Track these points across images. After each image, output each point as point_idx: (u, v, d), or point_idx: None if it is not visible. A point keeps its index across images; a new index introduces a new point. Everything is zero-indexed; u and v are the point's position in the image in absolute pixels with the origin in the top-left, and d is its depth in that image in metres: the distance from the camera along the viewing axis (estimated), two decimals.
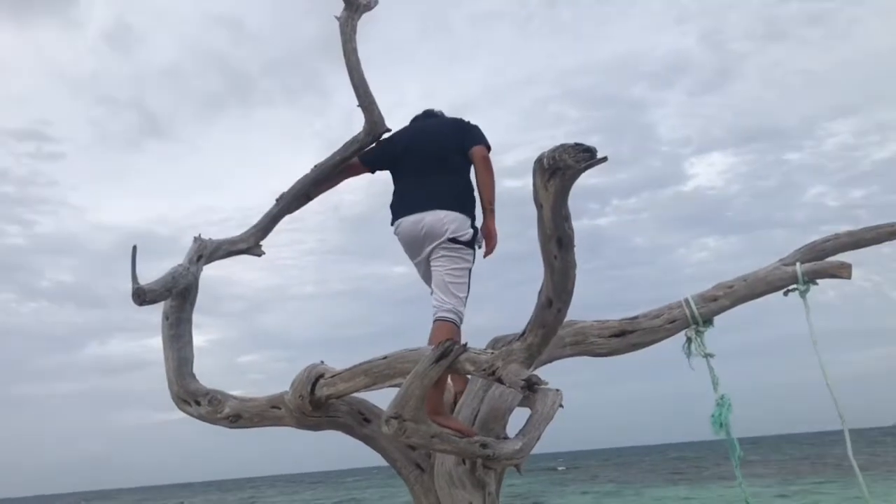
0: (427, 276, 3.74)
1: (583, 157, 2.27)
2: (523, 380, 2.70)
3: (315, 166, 3.90)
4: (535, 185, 2.39)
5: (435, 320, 3.55)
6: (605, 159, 2.23)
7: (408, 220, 3.65)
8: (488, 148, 3.71)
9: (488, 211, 3.67)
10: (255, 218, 3.98)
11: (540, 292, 2.69)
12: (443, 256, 3.59)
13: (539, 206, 2.43)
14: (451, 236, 3.58)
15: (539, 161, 2.35)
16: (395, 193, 3.81)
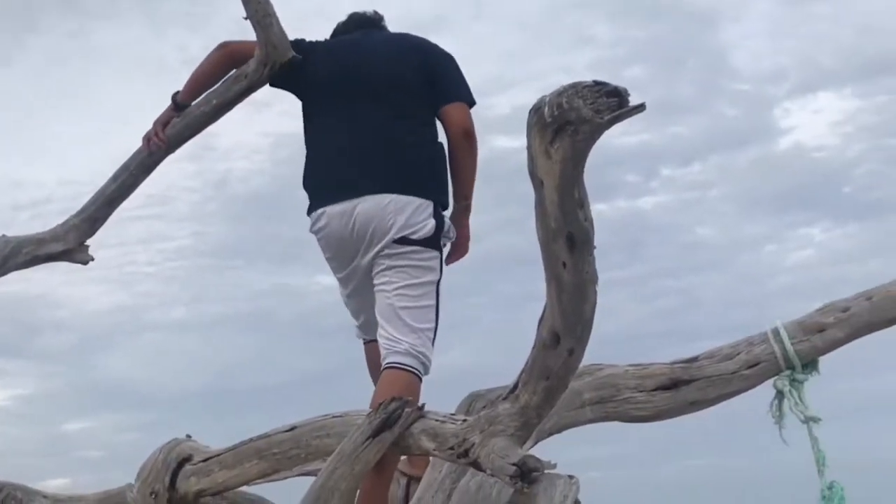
0: (364, 301, 3.71)
1: (606, 103, 2.15)
2: (513, 464, 2.65)
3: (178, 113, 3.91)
4: (530, 149, 2.29)
5: (383, 368, 3.51)
6: (641, 107, 2.15)
7: (332, 212, 3.61)
8: (471, 104, 3.72)
9: (463, 207, 3.74)
10: (88, 196, 3.97)
11: (540, 322, 2.63)
12: (389, 269, 3.57)
13: (538, 182, 2.31)
14: (398, 235, 3.55)
15: (537, 111, 2.24)
16: (308, 159, 3.76)
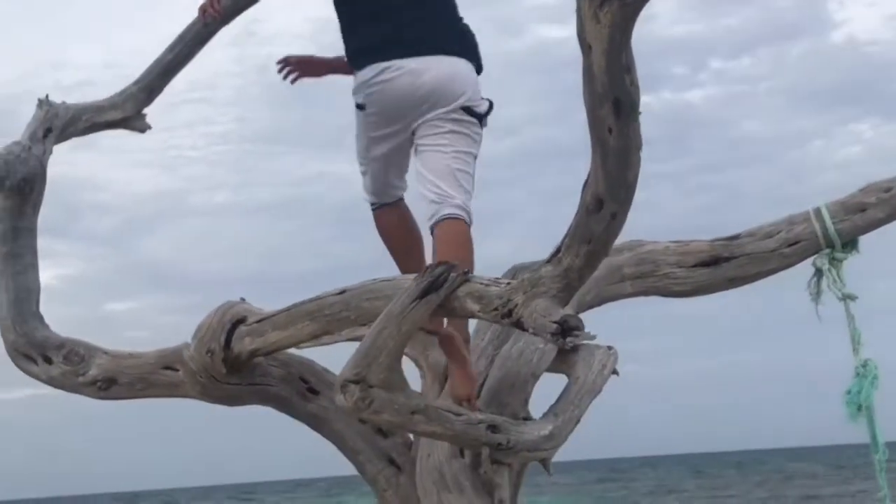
0: (393, 162, 3.88)
1: None
2: (555, 322, 2.76)
3: None
4: (579, 13, 2.36)
5: (441, 219, 3.64)
6: None
7: (404, 68, 3.68)
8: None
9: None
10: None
11: (584, 187, 2.70)
12: (451, 132, 3.72)
13: (586, 47, 2.38)
14: (466, 103, 3.71)
15: None
16: (348, 11, 3.82)
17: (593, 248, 2.78)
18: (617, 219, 2.71)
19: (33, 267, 3.88)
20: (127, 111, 4.04)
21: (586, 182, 2.69)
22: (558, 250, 2.86)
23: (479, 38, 3.89)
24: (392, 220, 3.96)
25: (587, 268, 2.83)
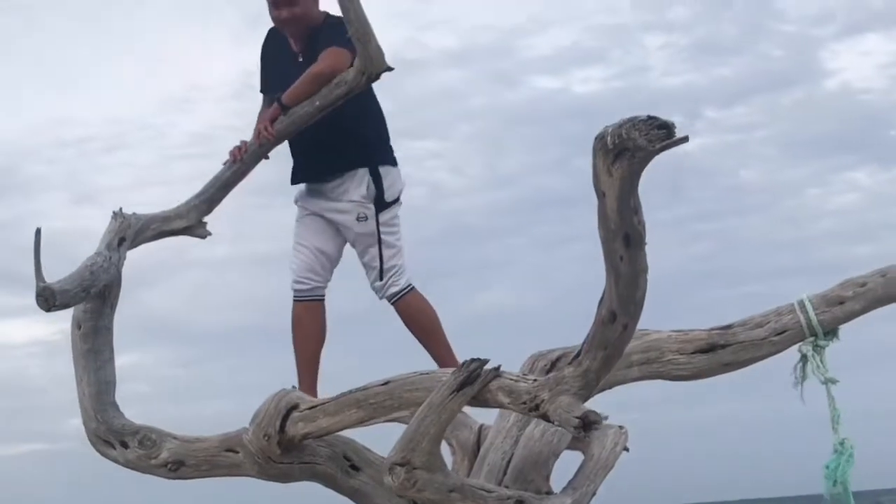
0: None
1: (657, 135, 2.71)
2: (577, 417, 3.23)
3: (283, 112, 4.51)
4: (595, 168, 2.84)
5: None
6: (685, 139, 2.73)
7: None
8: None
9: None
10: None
11: (600, 303, 3.18)
12: None
13: (601, 194, 2.87)
14: None
15: (601, 139, 2.80)
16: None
17: (609, 353, 3.26)
18: (628, 329, 3.19)
19: (111, 361, 4.28)
20: (190, 220, 4.51)
21: (601, 299, 3.18)
22: (578, 353, 3.34)
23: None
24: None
25: (604, 369, 3.31)
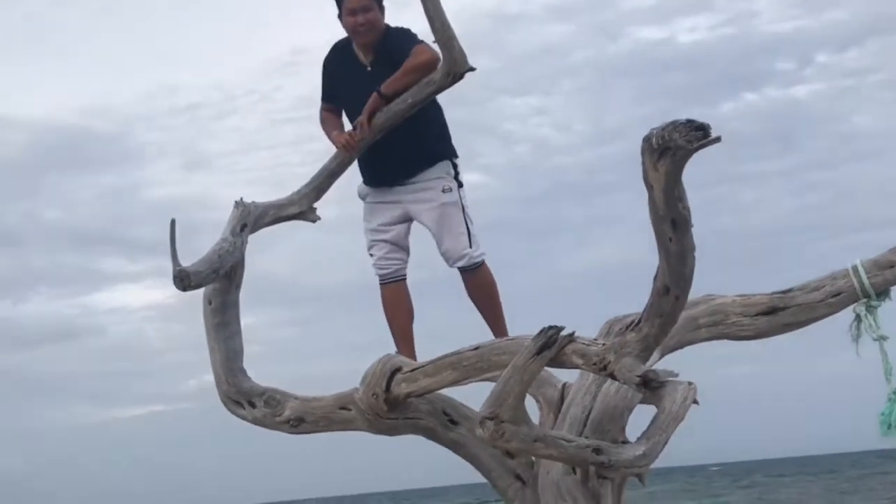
0: None
1: (694, 136, 3.16)
2: (638, 376, 3.72)
3: (382, 108, 4.98)
4: (644, 165, 3.31)
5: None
6: (718, 139, 3.18)
7: None
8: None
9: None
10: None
11: (655, 277, 3.65)
12: None
13: (650, 186, 3.34)
14: None
15: (647, 140, 3.27)
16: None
17: (664, 320, 3.74)
18: (679, 300, 3.67)
19: (238, 333, 4.88)
20: (302, 206, 5.08)
21: (656, 274, 3.66)
22: (639, 321, 3.83)
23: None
24: None
25: (661, 334, 3.79)
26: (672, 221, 3.43)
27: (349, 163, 5.17)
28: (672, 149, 3.23)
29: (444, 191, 5.26)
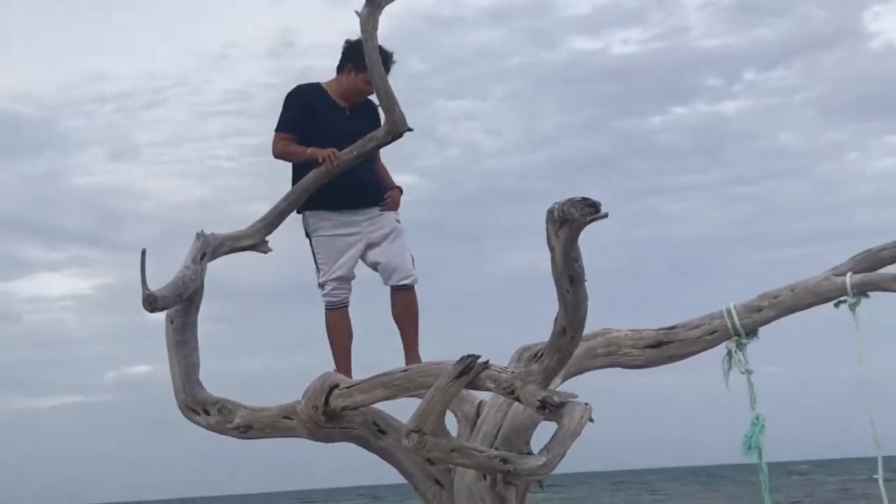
0: None
1: (588, 211, 3.89)
2: (539, 401, 4.46)
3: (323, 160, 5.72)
4: (547, 230, 4.02)
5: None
6: (605, 215, 3.94)
7: None
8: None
9: None
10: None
11: (556, 320, 4.41)
12: None
13: (552, 248, 4.04)
14: None
15: (550, 212, 3.96)
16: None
17: (562, 356, 4.47)
18: (574, 339, 4.40)
19: (195, 349, 5.50)
20: (255, 239, 5.72)
21: (556, 317, 4.41)
22: (541, 354, 4.57)
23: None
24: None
25: (559, 366, 4.53)
26: (570, 277, 4.18)
27: (297, 202, 5.85)
28: (570, 220, 3.98)
29: (397, 220, 6.26)
